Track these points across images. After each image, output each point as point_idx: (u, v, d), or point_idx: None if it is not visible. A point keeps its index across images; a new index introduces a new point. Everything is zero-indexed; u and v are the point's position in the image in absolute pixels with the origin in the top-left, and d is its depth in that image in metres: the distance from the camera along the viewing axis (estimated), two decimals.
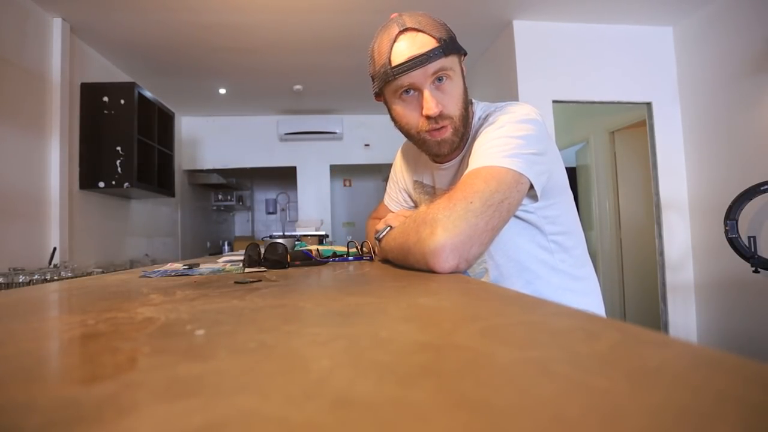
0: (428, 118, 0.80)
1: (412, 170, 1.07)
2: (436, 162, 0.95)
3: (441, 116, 0.80)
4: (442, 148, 0.84)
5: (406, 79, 0.78)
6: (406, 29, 0.78)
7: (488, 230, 0.68)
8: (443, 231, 0.64)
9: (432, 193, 1.01)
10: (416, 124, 0.82)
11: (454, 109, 0.81)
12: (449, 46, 0.78)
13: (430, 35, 0.77)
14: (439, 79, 0.79)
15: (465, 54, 0.85)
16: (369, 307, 0.40)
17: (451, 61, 0.79)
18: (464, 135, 0.86)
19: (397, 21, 0.80)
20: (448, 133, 0.82)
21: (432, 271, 0.64)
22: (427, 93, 0.78)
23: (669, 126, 3.13)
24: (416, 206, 1.10)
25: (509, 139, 0.76)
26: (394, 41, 0.78)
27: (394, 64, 0.78)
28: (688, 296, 3.07)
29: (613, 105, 3.19)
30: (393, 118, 0.88)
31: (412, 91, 0.80)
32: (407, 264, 0.71)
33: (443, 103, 0.79)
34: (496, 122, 0.80)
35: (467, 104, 0.84)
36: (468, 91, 0.86)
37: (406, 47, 0.77)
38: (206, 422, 0.15)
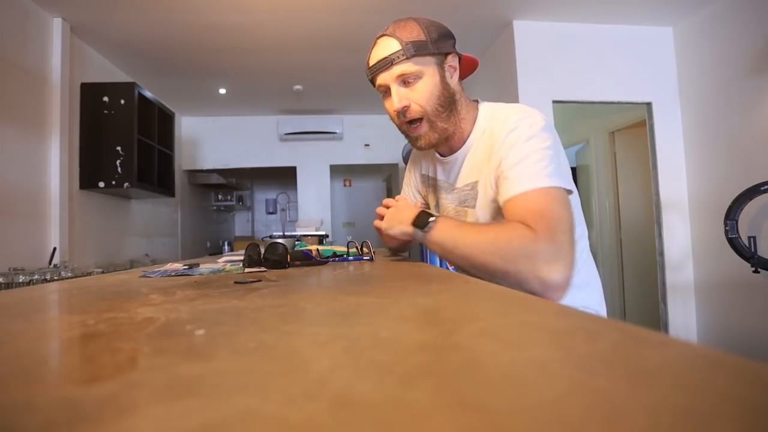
0: (397, 112, 0.88)
1: (421, 165, 1.13)
2: (441, 156, 1.00)
3: (410, 111, 0.87)
4: (419, 142, 0.91)
5: (377, 80, 0.89)
6: (382, 35, 0.88)
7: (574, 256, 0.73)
8: (564, 267, 0.68)
9: (435, 185, 1.06)
10: (394, 119, 0.91)
11: (424, 104, 0.87)
12: (415, 48, 0.84)
13: (399, 39, 0.85)
14: (406, 81, 0.86)
15: (449, 54, 0.89)
16: (369, 307, 0.40)
17: (418, 63, 0.85)
18: (447, 130, 0.90)
19: (384, 28, 0.89)
20: (423, 129, 0.89)
21: (537, 294, 0.68)
22: (393, 90, 0.87)
23: (669, 126, 3.13)
24: (423, 200, 1.15)
25: (547, 150, 0.79)
26: (373, 46, 0.89)
27: (368, 66, 0.89)
28: (688, 296, 3.07)
29: (613, 105, 3.19)
30: None
31: (387, 90, 0.89)
32: (482, 267, 0.73)
33: (411, 98, 0.87)
34: (523, 134, 0.81)
35: (446, 102, 0.88)
36: (453, 90, 0.89)
37: (377, 51, 0.88)
38: (206, 422, 0.15)
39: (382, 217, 0.97)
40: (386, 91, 0.89)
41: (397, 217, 0.90)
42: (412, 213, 0.87)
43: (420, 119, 0.88)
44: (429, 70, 0.86)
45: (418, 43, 0.84)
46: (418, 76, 0.86)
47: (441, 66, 0.88)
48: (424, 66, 0.86)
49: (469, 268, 0.77)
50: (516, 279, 0.70)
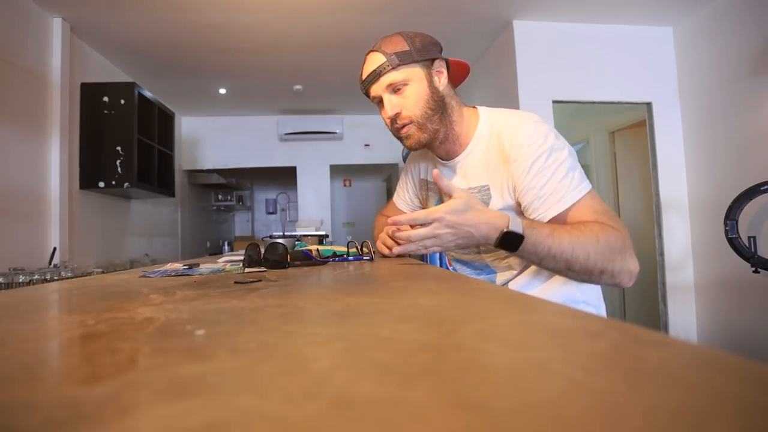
0: (391, 120, 0.93)
1: (420, 170, 1.15)
2: (441, 160, 1.02)
3: (400, 117, 0.92)
4: (408, 141, 0.94)
5: (370, 92, 0.95)
6: (370, 51, 0.94)
7: None
8: (635, 258, 0.78)
9: (436, 189, 1.07)
10: (388, 125, 0.96)
11: (413, 109, 0.91)
12: (399, 58, 0.89)
13: (384, 53, 0.91)
14: (396, 89, 0.91)
15: (434, 59, 0.93)
16: (369, 307, 0.40)
17: (405, 72, 0.90)
18: (438, 132, 0.93)
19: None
20: (410, 131, 0.93)
21: (622, 286, 0.78)
22: (384, 99, 0.93)
23: (669, 126, 3.13)
24: (422, 205, 1.16)
25: (569, 158, 0.85)
26: (363, 63, 0.95)
27: (361, 81, 0.95)
28: (688, 296, 3.07)
29: (613, 105, 3.19)
30: None
31: (380, 100, 0.94)
32: (581, 269, 0.76)
33: (402, 105, 0.91)
34: (539, 144, 0.85)
35: (437, 104, 0.92)
36: (442, 94, 0.93)
37: (366, 67, 0.94)
38: (206, 422, 0.15)
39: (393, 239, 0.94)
40: (380, 102, 0.95)
41: (466, 238, 0.76)
42: (491, 232, 0.75)
43: (409, 123, 0.93)
44: (416, 76, 0.91)
45: (402, 53, 0.90)
46: (405, 83, 0.91)
47: (428, 71, 0.92)
48: (410, 73, 0.91)
49: (564, 270, 0.78)
50: (611, 275, 0.76)
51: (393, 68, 0.90)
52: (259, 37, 3.14)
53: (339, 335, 0.30)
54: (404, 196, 1.20)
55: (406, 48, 0.91)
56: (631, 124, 3.61)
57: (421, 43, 0.92)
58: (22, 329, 0.35)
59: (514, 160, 0.86)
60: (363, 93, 0.98)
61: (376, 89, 0.93)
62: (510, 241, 0.75)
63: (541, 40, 3.06)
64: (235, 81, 4.02)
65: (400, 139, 0.96)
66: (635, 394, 0.17)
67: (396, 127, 0.94)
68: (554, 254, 0.75)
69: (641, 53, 3.14)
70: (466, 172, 0.97)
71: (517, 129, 0.88)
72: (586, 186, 0.83)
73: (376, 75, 0.91)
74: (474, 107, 0.99)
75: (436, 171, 0.81)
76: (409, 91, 0.91)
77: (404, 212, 1.19)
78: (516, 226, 0.75)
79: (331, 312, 0.39)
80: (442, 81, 0.93)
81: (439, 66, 0.94)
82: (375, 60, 0.92)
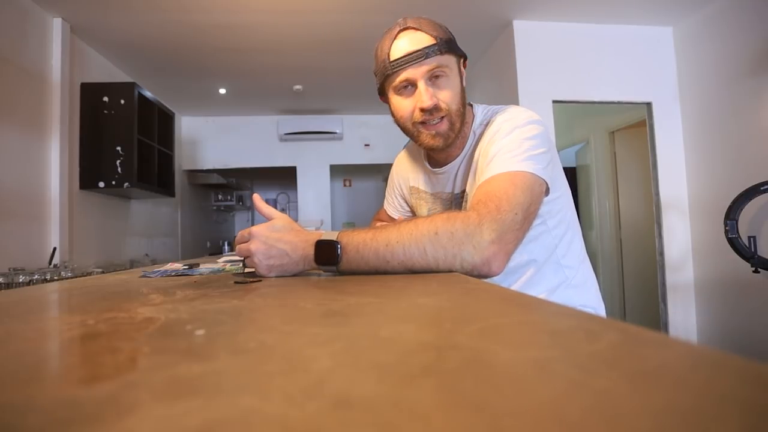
0: (422, 110, 0.83)
1: (409, 177, 1.09)
2: (433, 167, 0.98)
3: (435, 109, 0.83)
4: (436, 140, 0.86)
5: (403, 74, 0.82)
6: (406, 28, 0.83)
7: (522, 238, 0.72)
8: (499, 239, 0.66)
9: (429, 199, 1.03)
10: (411, 116, 0.85)
11: (450, 103, 0.84)
12: (446, 45, 0.83)
13: (428, 34, 0.82)
14: (436, 76, 0.83)
15: (465, 57, 0.88)
16: (369, 307, 0.40)
17: (447, 60, 0.83)
18: (460, 132, 0.88)
19: (400, 22, 0.85)
20: (443, 127, 0.85)
21: (480, 276, 0.66)
22: (421, 86, 0.82)
23: (669, 126, 3.13)
24: (413, 212, 1.11)
25: (525, 141, 0.78)
26: (395, 39, 0.84)
27: (392, 59, 0.83)
28: (688, 296, 3.07)
29: (613, 105, 3.19)
30: (392, 113, 0.91)
31: (409, 86, 0.84)
32: (423, 265, 0.66)
33: (438, 96, 0.83)
34: (504, 128, 0.82)
35: (464, 103, 0.87)
36: (466, 94, 0.88)
37: (404, 44, 0.82)
38: (206, 422, 0.15)
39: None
40: (407, 87, 0.84)
41: (279, 257, 0.69)
42: (307, 248, 0.68)
43: (442, 117, 0.84)
44: (454, 69, 0.85)
45: (446, 41, 0.83)
46: (446, 74, 0.83)
47: (459, 67, 0.87)
48: (451, 65, 0.84)
49: (407, 272, 0.67)
50: (462, 268, 0.65)
51: (440, 54, 0.81)
52: (259, 37, 3.14)
53: (339, 335, 0.30)
54: (393, 202, 1.16)
55: (449, 36, 0.84)
56: (631, 124, 3.61)
57: (452, 35, 0.86)
58: (22, 329, 0.35)
59: (483, 155, 0.83)
60: (384, 74, 0.84)
61: (413, 72, 0.81)
62: (328, 253, 0.67)
63: (541, 40, 3.06)
64: (235, 81, 4.01)
65: (421, 132, 0.86)
66: (637, 395, 0.17)
67: (428, 118, 0.84)
68: (384, 256, 0.66)
69: (641, 53, 3.14)
70: (456, 179, 0.94)
71: (490, 127, 0.85)
72: (518, 166, 0.74)
73: (421, 55, 0.80)
74: (470, 104, 0.93)
75: (256, 195, 0.76)
76: (447, 84, 0.83)
77: (395, 218, 1.14)
78: (330, 236, 0.69)
79: (331, 312, 0.39)
80: (463, 81, 0.88)
81: (464, 64, 0.89)
82: (418, 39, 0.81)
